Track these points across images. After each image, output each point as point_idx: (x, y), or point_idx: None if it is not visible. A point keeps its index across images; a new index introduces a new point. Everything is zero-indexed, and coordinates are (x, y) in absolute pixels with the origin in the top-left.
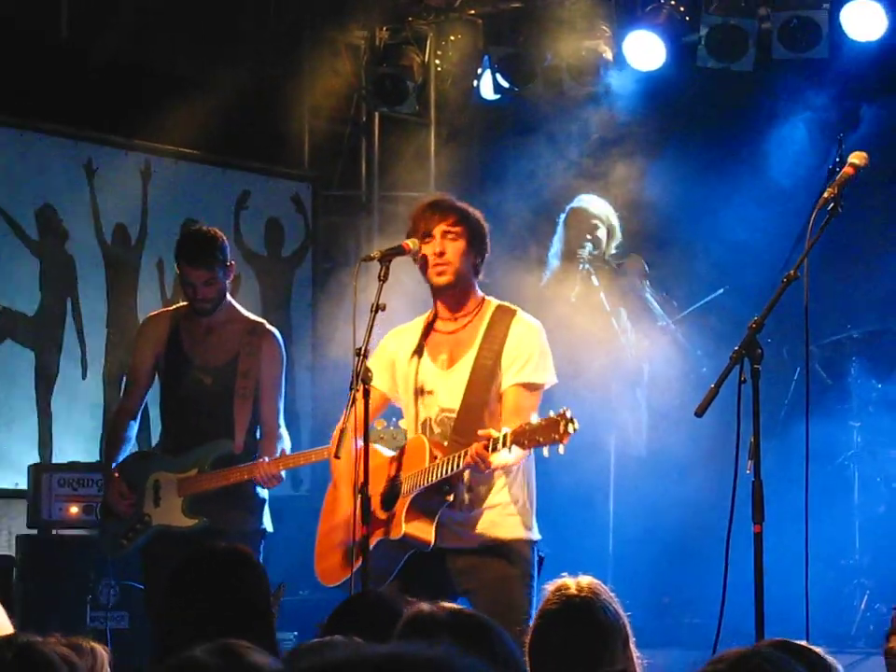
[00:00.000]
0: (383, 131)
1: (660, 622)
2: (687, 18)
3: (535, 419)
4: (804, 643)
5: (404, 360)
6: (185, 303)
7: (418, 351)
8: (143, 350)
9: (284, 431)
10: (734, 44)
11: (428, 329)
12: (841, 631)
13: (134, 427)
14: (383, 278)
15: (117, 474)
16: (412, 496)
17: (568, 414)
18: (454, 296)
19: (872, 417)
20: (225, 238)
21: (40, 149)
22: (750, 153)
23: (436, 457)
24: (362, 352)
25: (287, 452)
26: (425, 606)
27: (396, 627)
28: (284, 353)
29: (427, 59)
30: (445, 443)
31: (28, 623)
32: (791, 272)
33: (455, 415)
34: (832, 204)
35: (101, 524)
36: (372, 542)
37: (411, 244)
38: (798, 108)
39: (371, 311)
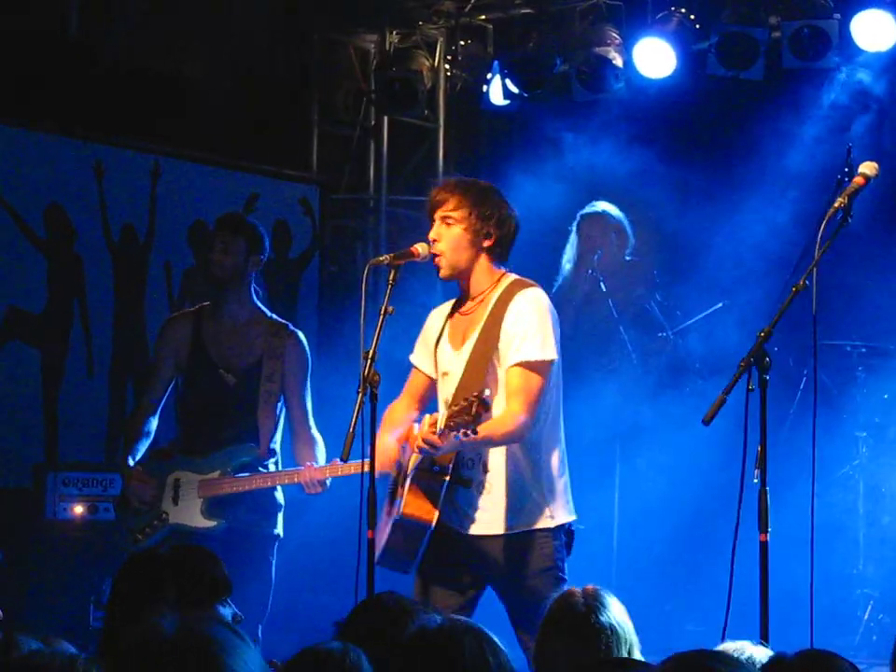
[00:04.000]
0: (392, 135)
1: (663, 629)
2: (697, 26)
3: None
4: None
5: (432, 341)
6: (206, 303)
7: (441, 332)
8: (163, 350)
9: (316, 433)
10: (744, 52)
11: (454, 309)
12: (844, 641)
13: (154, 423)
14: (392, 282)
15: (139, 468)
16: (410, 477)
17: (484, 396)
18: (462, 282)
19: (878, 427)
20: (265, 236)
21: (49, 149)
22: (760, 162)
23: None
24: (370, 356)
25: (322, 453)
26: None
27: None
28: (308, 355)
29: (436, 63)
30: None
31: (30, 623)
32: (800, 281)
33: None
34: (841, 214)
35: (117, 517)
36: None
37: (420, 248)
38: (807, 117)
39: (381, 314)
